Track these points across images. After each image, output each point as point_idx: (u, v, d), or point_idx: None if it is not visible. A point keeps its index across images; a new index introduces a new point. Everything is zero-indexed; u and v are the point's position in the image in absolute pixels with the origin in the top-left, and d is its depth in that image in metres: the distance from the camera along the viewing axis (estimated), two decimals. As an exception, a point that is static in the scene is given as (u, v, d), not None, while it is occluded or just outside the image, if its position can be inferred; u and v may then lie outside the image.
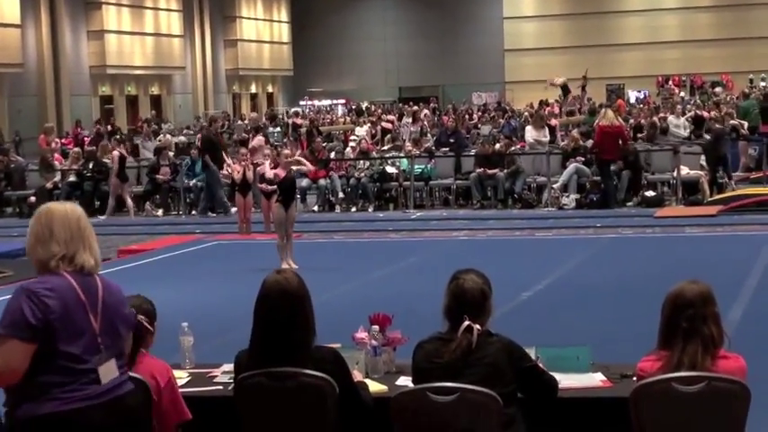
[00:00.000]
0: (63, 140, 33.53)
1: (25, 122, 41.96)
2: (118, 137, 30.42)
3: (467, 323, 5.07)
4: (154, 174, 24.25)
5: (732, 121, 26.45)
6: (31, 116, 43.35)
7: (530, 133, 24.76)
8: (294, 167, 15.68)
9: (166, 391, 5.27)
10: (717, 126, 24.26)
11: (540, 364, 5.54)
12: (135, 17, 51.01)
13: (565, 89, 40.19)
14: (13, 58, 42.60)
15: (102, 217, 23.11)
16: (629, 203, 21.43)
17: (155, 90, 53.80)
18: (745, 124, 26.18)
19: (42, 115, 43.71)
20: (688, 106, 33.12)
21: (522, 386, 5.19)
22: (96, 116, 47.37)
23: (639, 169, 21.93)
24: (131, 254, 17.61)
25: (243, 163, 19.48)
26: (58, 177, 24.94)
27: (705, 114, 27.56)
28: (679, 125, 25.58)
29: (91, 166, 24.52)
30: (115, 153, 23.88)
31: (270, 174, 15.55)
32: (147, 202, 24.35)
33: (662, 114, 29.84)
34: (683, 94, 48.49)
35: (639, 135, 24.58)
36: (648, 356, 5.11)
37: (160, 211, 24.13)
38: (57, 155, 27.29)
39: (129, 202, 23.39)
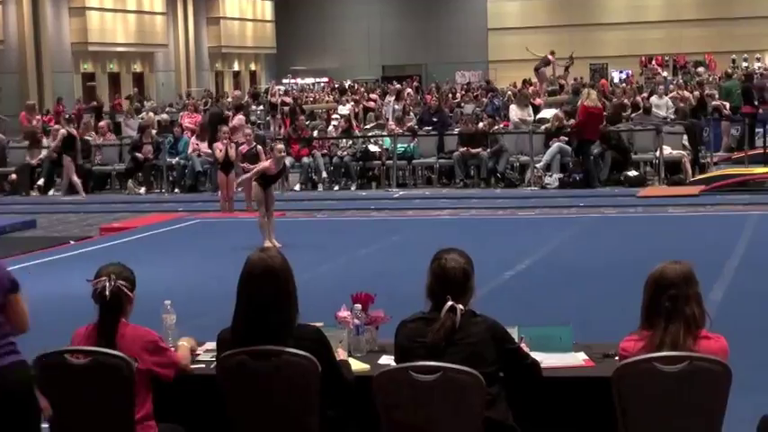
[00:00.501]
0: (44, 118, 33.33)
1: (6, 100, 41.72)
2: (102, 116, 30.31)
3: (450, 303, 5.08)
4: (136, 151, 24.16)
5: (714, 102, 26.51)
6: (11, 94, 43.10)
7: (514, 112, 24.73)
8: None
9: (152, 354, 5.36)
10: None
11: (524, 345, 5.56)
12: (117, -6, 50.74)
13: (546, 63, 40.03)
14: (-7, 36, 42.37)
15: (81, 196, 23.06)
16: (612, 187, 21.40)
17: (137, 68, 53.56)
18: (728, 105, 26.23)
19: (23, 92, 43.48)
20: (671, 86, 33.11)
21: (505, 368, 5.20)
22: (78, 94, 47.15)
23: (625, 150, 21.94)
24: (114, 232, 17.57)
25: (224, 141, 19.43)
26: (43, 155, 24.81)
27: (685, 94, 27.58)
28: (660, 105, 25.59)
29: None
30: (62, 131, 23.91)
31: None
32: (130, 180, 24.27)
33: (644, 94, 29.86)
34: (665, 73, 48.49)
35: (624, 114, 24.57)
36: (631, 336, 5.13)
37: (142, 189, 24.08)
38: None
39: (75, 180, 23.38)
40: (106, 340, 5.28)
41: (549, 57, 39.56)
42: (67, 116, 31.88)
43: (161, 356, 5.42)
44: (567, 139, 22.26)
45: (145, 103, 42.48)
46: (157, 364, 5.38)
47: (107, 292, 5.33)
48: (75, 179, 23.33)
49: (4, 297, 5.20)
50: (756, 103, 25.77)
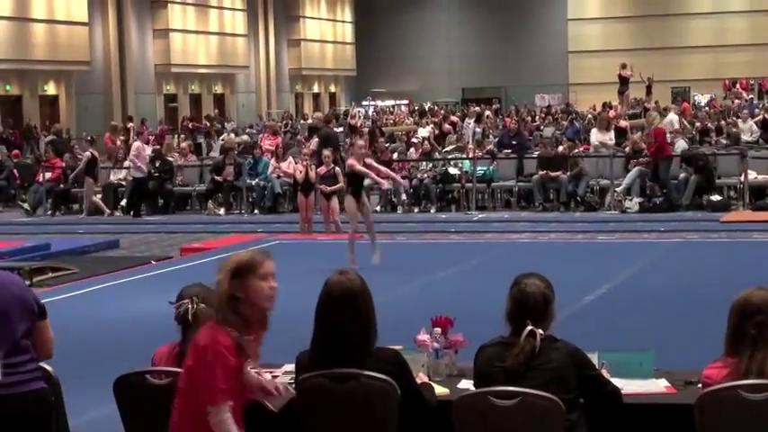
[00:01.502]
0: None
1: (91, 120, 42.41)
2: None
3: (530, 328, 5.04)
4: (218, 173, 24.38)
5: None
6: (97, 114, 43.82)
7: (595, 135, 24.56)
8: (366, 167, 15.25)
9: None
10: None
11: (605, 371, 5.50)
12: (200, 16, 51.39)
13: (624, 82, 39.75)
14: (80, 56, 43.12)
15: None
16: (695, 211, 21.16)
17: (218, 89, 54.16)
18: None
19: (108, 113, 44.19)
20: (756, 110, 32.68)
21: (585, 394, 5.14)
22: (161, 114, 47.79)
23: (710, 173, 21.68)
24: (194, 252, 17.70)
25: (305, 163, 19.52)
26: (122, 174, 25.17)
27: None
28: (745, 129, 25.27)
29: (157, 164, 24.72)
30: (87, 153, 24.37)
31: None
32: (210, 201, 24.49)
33: (730, 120, 29.50)
34: (751, 96, 47.91)
35: (706, 139, 24.31)
36: (715, 363, 5.04)
37: (222, 210, 24.27)
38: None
39: (96, 200, 23.91)
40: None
41: (622, 72, 39.21)
42: (152, 136, 32.31)
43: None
44: (645, 162, 22.04)
45: (226, 124, 42.88)
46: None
47: (189, 315, 5.35)
48: (95, 199, 23.85)
49: (32, 323, 5.24)
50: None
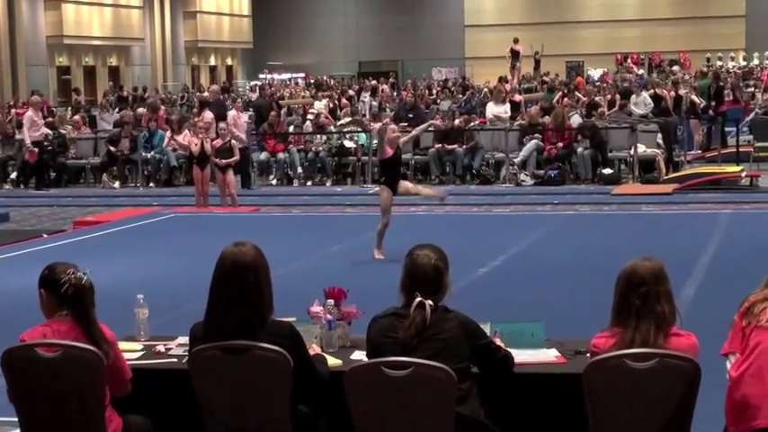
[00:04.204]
0: (18, 111, 33.16)
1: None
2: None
3: (418, 299, 5.09)
4: (113, 145, 24.08)
5: (693, 97, 26.63)
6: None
7: (490, 108, 24.75)
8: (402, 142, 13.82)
9: (117, 348, 5.38)
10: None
11: (498, 340, 5.58)
12: (93, -13, 50.57)
13: (516, 56, 40.19)
14: (-33, 27, 42.17)
15: (58, 189, 23.04)
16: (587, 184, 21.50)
17: (113, 61, 53.39)
18: (703, 103, 26.35)
19: (-2, 85, 43.32)
20: (648, 84, 33.16)
21: (478, 363, 5.22)
22: (53, 87, 46.98)
23: (602, 146, 21.99)
24: (87, 225, 17.50)
25: (200, 136, 19.38)
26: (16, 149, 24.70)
27: (663, 92, 27.70)
28: (638, 102, 25.64)
29: (50, 137, 24.34)
30: None
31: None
32: (104, 174, 24.19)
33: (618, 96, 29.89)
34: (641, 71, 48.63)
35: (594, 113, 24.61)
36: (602, 333, 5.15)
37: (117, 183, 24.00)
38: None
39: None
40: (83, 332, 5.25)
41: (513, 46, 39.63)
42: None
43: (120, 357, 5.43)
44: (540, 136, 22.30)
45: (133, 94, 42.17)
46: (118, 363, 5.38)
47: (85, 282, 5.29)
48: None
49: None
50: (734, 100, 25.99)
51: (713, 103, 25.47)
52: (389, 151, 13.38)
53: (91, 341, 5.20)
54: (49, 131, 24.23)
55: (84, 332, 5.24)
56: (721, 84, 26.90)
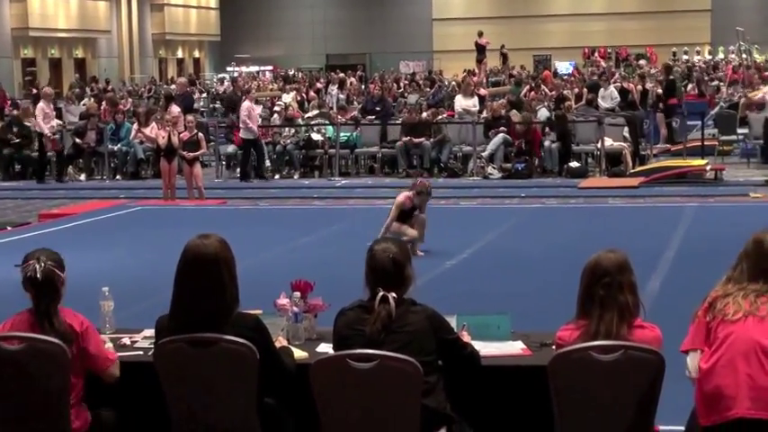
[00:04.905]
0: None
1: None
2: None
3: (381, 294, 5.09)
4: (80, 138, 23.95)
5: (659, 91, 26.75)
6: (-50, 78, 42.59)
7: (459, 102, 24.77)
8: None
9: (90, 336, 5.35)
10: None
11: (465, 333, 5.60)
12: (59, -22, 50.23)
13: (481, 50, 40.30)
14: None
15: (22, 182, 22.88)
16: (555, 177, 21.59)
17: (79, 53, 53.06)
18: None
19: (-38, 77, 42.99)
20: (616, 76, 33.30)
21: (443, 357, 5.22)
22: (18, 79, 46.66)
23: (569, 139, 22.08)
24: (53, 218, 17.40)
25: (167, 128, 19.30)
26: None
27: (630, 86, 27.83)
28: (605, 96, 25.75)
29: (15, 130, 24.22)
30: None
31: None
32: (70, 166, 24.05)
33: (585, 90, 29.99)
34: (609, 64, 48.81)
35: (561, 106, 24.69)
36: (567, 325, 5.17)
37: (83, 176, 23.88)
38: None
39: None
40: (47, 323, 5.23)
41: (479, 40, 39.71)
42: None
43: (96, 337, 5.41)
44: (505, 129, 22.35)
45: (86, 88, 41.96)
46: (90, 351, 5.35)
47: (38, 274, 5.27)
48: None
49: None
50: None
51: (663, 97, 25.75)
52: (409, 203, 13.05)
53: (43, 333, 5.18)
54: (60, 122, 24.10)
55: (39, 324, 5.23)
56: (671, 77, 27.07)
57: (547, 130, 22.63)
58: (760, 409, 4.81)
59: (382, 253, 5.18)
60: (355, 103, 30.53)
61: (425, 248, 12.82)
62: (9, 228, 16.51)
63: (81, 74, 49.80)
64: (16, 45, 48.06)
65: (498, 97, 28.16)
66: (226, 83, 45.37)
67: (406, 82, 41.77)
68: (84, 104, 29.08)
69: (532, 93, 29.96)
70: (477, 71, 38.82)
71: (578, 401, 4.97)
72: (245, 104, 22.79)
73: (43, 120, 23.09)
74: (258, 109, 24.28)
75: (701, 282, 5.69)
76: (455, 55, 55.13)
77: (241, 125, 22.59)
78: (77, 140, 23.85)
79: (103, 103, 27.80)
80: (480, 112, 24.86)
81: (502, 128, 22.37)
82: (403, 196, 13.04)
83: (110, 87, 41.05)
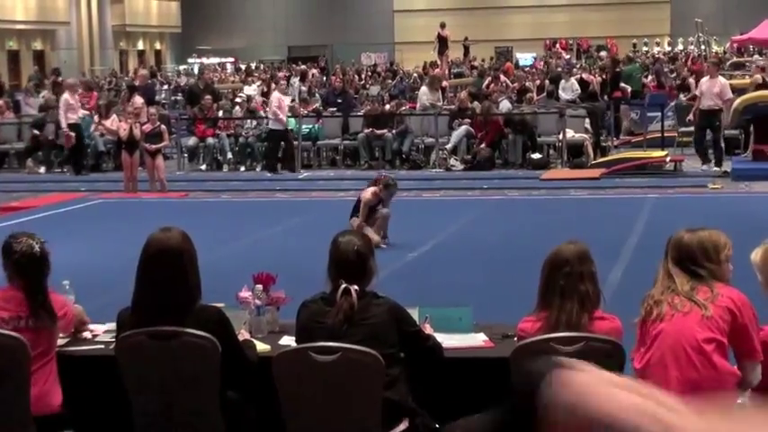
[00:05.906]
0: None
1: None
2: None
3: (343, 286, 5.10)
4: (39, 130, 23.77)
5: (623, 84, 26.88)
6: None
7: (425, 95, 24.67)
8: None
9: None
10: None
11: (428, 325, 5.61)
12: (17, -32, 49.80)
13: (444, 42, 40.32)
14: None
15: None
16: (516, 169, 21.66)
17: (38, 45, 52.63)
18: (629, 88, 26.61)
19: None
20: (574, 69, 33.44)
21: (406, 350, 5.24)
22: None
23: (531, 131, 22.15)
24: (12, 211, 17.27)
25: (129, 120, 19.20)
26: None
27: (590, 77, 27.95)
28: (566, 88, 25.84)
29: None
30: None
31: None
32: (29, 159, 23.88)
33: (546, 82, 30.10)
34: (568, 56, 49.00)
35: (524, 98, 24.78)
36: (528, 317, 5.20)
37: (42, 169, 23.71)
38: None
39: None
40: (41, 298, 5.26)
41: (441, 32, 39.70)
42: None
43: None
44: (470, 121, 22.39)
45: (45, 81, 41.68)
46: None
47: (36, 249, 5.31)
48: None
49: None
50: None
51: (608, 89, 25.95)
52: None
53: (33, 313, 5.20)
54: (86, 113, 23.70)
55: (29, 303, 5.26)
56: (618, 70, 27.21)
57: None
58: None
59: (347, 244, 5.19)
60: (317, 95, 30.47)
61: (387, 240, 12.83)
62: (-32, 221, 16.37)
63: (40, 66, 49.39)
64: (-26, 37, 47.66)
65: (460, 89, 28.17)
66: (184, 76, 45.16)
67: (368, 74, 41.75)
68: (42, 97, 28.86)
69: (492, 85, 30.01)
70: (439, 63, 38.82)
71: (540, 392, 4.98)
72: (275, 95, 22.60)
73: (66, 112, 22.43)
74: (287, 99, 23.84)
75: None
76: (417, 47, 55.11)
77: (271, 116, 22.31)
78: (36, 132, 23.66)
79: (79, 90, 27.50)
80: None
81: (466, 119, 22.40)
82: (369, 193, 13.02)
83: (59, 80, 40.70)
